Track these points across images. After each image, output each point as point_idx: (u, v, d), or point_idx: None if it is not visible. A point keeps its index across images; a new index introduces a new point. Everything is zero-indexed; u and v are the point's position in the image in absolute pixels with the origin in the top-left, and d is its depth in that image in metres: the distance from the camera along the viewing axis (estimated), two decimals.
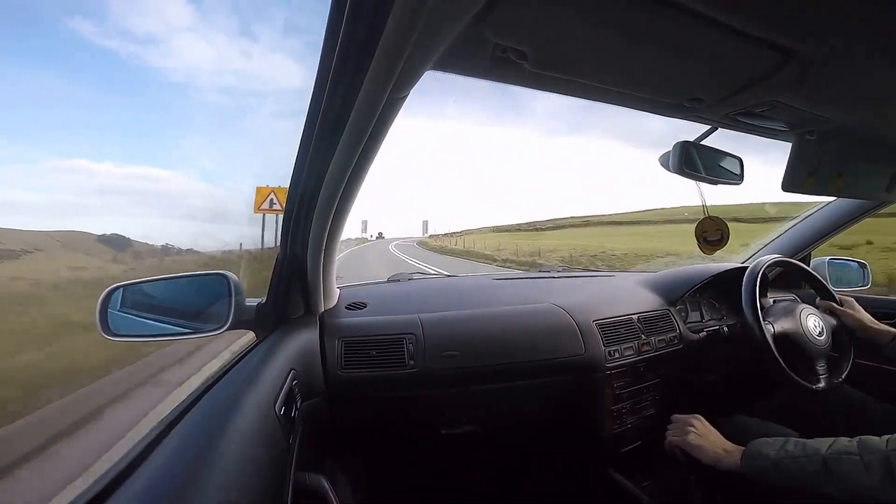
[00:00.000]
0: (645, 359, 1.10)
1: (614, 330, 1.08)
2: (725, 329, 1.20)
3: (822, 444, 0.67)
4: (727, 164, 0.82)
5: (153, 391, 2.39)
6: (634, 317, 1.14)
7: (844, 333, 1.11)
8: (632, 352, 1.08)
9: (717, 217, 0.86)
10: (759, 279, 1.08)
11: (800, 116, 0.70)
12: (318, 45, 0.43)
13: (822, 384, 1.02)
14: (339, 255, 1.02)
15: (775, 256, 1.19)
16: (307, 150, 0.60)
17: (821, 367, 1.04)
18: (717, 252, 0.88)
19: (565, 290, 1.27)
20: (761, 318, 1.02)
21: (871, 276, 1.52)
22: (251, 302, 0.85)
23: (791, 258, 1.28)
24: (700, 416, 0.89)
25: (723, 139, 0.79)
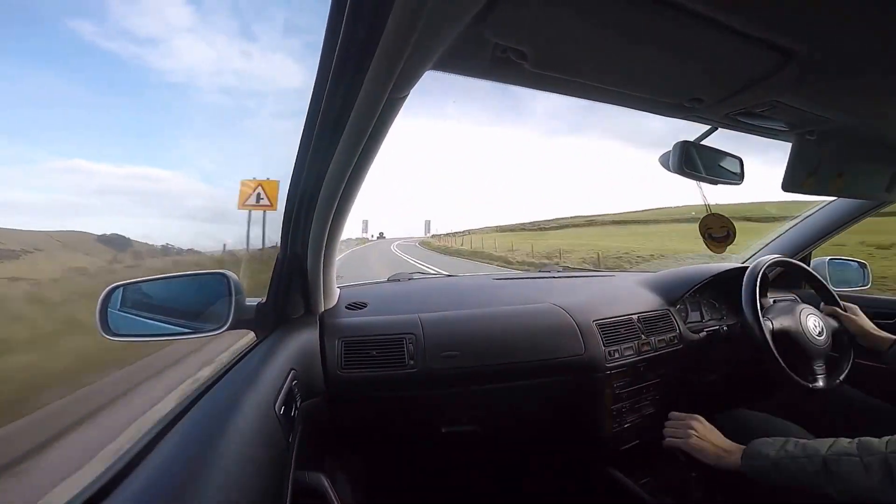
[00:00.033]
0: (645, 359, 1.10)
1: (614, 330, 1.09)
2: (725, 329, 1.20)
3: (823, 444, 0.68)
4: (727, 164, 0.82)
5: (154, 391, 2.39)
6: (634, 317, 1.14)
7: (845, 335, 1.11)
8: (632, 352, 1.08)
9: (720, 213, 0.86)
10: (759, 279, 1.08)
11: (800, 116, 0.70)
12: (318, 45, 0.43)
13: (819, 383, 1.02)
14: (340, 256, 1.02)
15: (775, 256, 1.19)
16: (307, 150, 0.60)
17: (818, 367, 1.04)
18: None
19: (565, 290, 1.27)
20: (761, 318, 1.03)
21: (871, 275, 1.52)
22: (251, 301, 0.85)
23: (791, 258, 1.28)
24: (700, 417, 0.90)
25: (723, 139, 0.79)
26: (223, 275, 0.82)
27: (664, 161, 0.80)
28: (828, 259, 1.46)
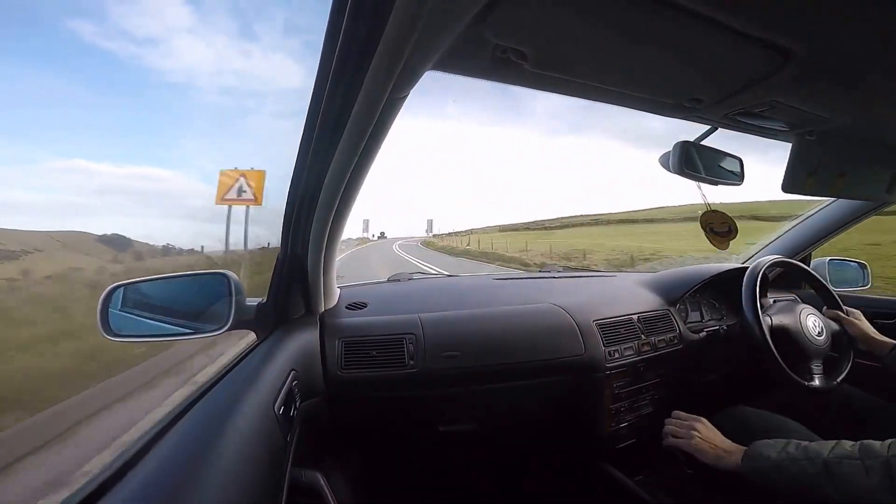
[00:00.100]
0: (645, 359, 1.10)
1: (614, 330, 1.09)
2: (725, 329, 1.20)
3: (824, 447, 0.68)
4: (727, 164, 0.82)
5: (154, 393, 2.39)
6: (634, 317, 1.14)
7: (844, 337, 1.11)
8: (632, 352, 1.08)
9: (719, 210, 0.86)
10: (759, 279, 1.08)
11: (799, 117, 0.70)
12: (318, 45, 0.43)
13: (815, 382, 1.02)
14: (340, 256, 1.02)
15: (776, 257, 1.19)
16: (307, 150, 0.60)
17: (816, 366, 1.04)
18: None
19: (565, 290, 1.27)
20: (761, 317, 1.03)
21: (871, 276, 1.52)
22: (251, 302, 0.85)
23: (792, 258, 1.28)
24: (703, 420, 0.89)
25: (723, 139, 0.79)
26: (224, 275, 0.81)
27: (664, 161, 0.80)
28: (828, 259, 1.46)
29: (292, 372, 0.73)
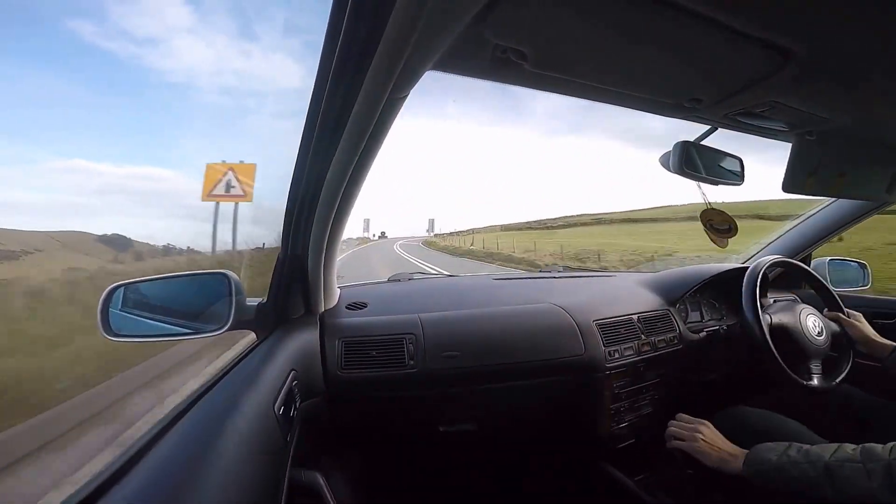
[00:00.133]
0: (645, 359, 1.10)
1: (614, 330, 1.09)
2: (725, 329, 1.20)
3: (826, 450, 0.68)
4: (727, 164, 0.82)
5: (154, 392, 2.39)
6: (634, 317, 1.14)
7: (844, 337, 1.11)
8: (632, 352, 1.08)
9: (718, 208, 0.86)
10: (759, 279, 1.08)
11: (799, 117, 0.70)
12: (318, 45, 0.43)
13: (815, 382, 1.02)
14: (341, 256, 1.02)
15: (776, 257, 1.19)
16: (307, 151, 0.60)
17: (816, 366, 1.04)
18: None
19: (565, 290, 1.27)
20: (761, 317, 1.02)
21: (871, 276, 1.52)
22: (252, 302, 0.85)
23: (792, 258, 1.28)
24: (708, 423, 0.89)
25: (723, 139, 0.79)
26: (224, 275, 0.81)
27: (664, 161, 0.80)
28: (828, 259, 1.46)
29: (292, 372, 0.73)
